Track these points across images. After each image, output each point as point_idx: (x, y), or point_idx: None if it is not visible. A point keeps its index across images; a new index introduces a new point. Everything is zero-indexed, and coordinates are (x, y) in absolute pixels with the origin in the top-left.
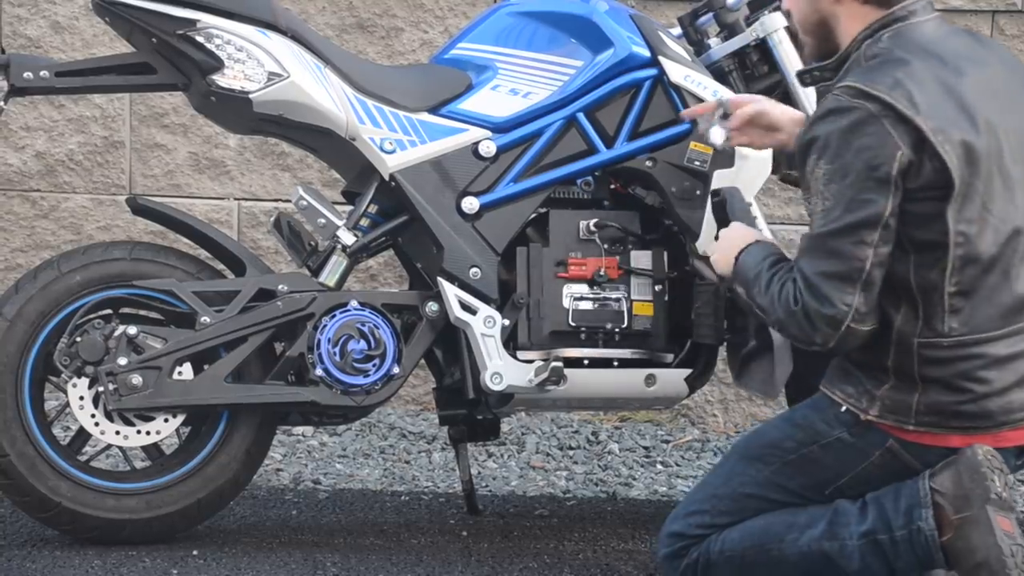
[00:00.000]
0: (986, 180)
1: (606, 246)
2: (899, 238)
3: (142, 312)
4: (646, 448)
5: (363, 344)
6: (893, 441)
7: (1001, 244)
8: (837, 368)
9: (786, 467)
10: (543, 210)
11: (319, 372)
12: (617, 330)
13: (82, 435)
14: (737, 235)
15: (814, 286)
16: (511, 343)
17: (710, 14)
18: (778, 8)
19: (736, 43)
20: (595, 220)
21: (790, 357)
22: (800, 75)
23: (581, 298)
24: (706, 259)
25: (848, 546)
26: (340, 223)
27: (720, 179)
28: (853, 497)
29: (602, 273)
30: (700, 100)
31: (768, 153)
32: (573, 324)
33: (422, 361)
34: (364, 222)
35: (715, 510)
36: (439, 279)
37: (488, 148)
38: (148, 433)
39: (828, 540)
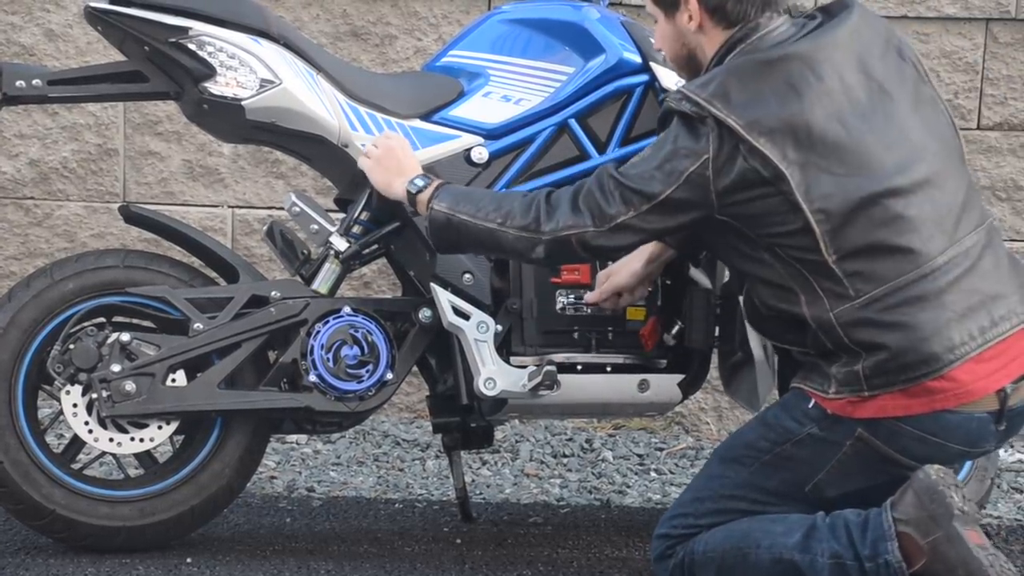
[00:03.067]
0: (828, 151)
1: None
2: (760, 244)
3: (135, 319)
4: (640, 456)
5: (356, 350)
6: (861, 429)
7: (867, 199)
8: (806, 364)
9: (764, 467)
10: None
11: (312, 378)
12: (610, 335)
13: (76, 443)
14: (403, 156)
15: (581, 195)
16: (504, 348)
17: None
18: None
19: None
20: None
21: (773, 371)
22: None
23: (574, 303)
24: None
25: (819, 562)
26: (333, 229)
27: None
28: (835, 494)
29: (595, 278)
30: None
31: None
32: (566, 329)
33: (415, 369)
34: (357, 229)
35: (698, 512)
36: (432, 285)
37: (480, 154)
38: (142, 440)
39: (800, 552)
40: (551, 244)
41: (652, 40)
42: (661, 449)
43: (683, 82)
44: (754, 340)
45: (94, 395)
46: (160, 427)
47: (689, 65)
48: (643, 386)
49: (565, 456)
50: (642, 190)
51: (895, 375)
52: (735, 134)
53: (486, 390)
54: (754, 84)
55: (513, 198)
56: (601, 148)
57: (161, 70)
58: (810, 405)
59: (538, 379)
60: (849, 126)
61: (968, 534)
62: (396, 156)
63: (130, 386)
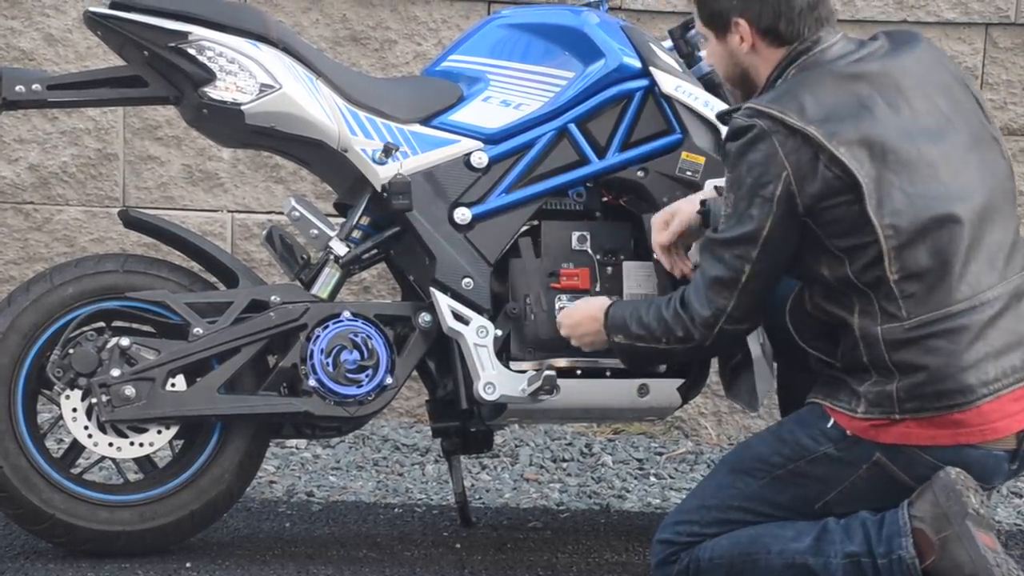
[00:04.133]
0: (900, 167)
1: (598, 256)
2: (827, 247)
3: (135, 324)
4: (639, 460)
5: (356, 355)
6: (880, 454)
7: (934, 220)
8: (826, 379)
9: (775, 482)
10: (535, 221)
11: (312, 383)
12: None
13: (75, 447)
14: (594, 301)
15: (699, 288)
16: (504, 353)
17: None
18: None
19: None
20: (587, 231)
21: (771, 371)
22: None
23: None
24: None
25: (832, 564)
26: (333, 234)
27: (712, 189)
28: (842, 513)
29: (595, 283)
30: (691, 110)
31: None
32: (564, 333)
33: (415, 373)
34: (356, 233)
35: (704, 520)
36: (432, 289)
37: (480, 159)
38: (141, 445)
39: (813, 555)
40: (716, 341)
41: (652, 44)
42: (661, 454)
43: (681, 84)
44: (752, 339)
45: (94, 400)
46: (160, 431)
47: (743, 84)
48: (643, 391)
49: (564, 460)
50: (743, 234)
51: (929, 401)
52: (813, 142)
53: (486, 395)
54: (826, 97)
55: (661, 311)
56: (601, 153)
57: (161, 75)
58: (829, 424)
59: (538, 384)
60: (920, 146)
61: (980, 535)
62: (577, 317)
63: (130, 391)
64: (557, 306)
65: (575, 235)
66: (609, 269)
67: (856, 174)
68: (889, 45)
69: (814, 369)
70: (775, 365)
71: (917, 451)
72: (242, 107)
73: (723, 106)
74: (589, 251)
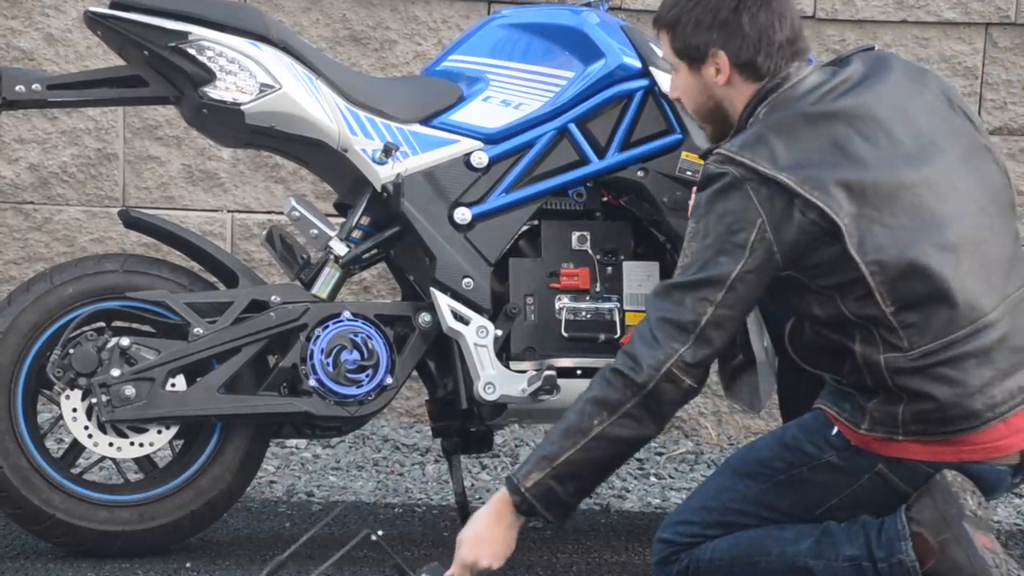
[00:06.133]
0: (881, 202)
1: (598, 256)
2: (814, 289)
3: (135, 324)
4: (639, 460)
5: (356, 355)
6: (882, 465)
7: (923, 250)
8: (833, 389)
9: (776, 487)
10: (535, 221)
11: (312, 383)
12: (610, 340)
13: (75, 447)
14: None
15: (649, 329)
16: (504, 353)
17: None
18: None
19: None
20: (587, 231)
21: (774, 373)
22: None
23: (574, 308)
24: None
25: (833, 567)
26: (333, 234)
27: None
28: (844, 518)
29: (595, 283)
30: None
31: None
32: (566, 334)
33: (415, 374)
34: (356, 233)
35: (704, 522)
36: (432, 289)
37: (480, 159)
38: (141, 445)
39: (814, 558)
40: (656, 389)
41: (652, 44)
42: (660, 454)
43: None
44: (756, 342)
45: (94, 400)
46: (160, 432)
47: (714, 117)
48: None
49: None
50: (710, 277)
51: (934, 426)
52: (787, 190)
53: (485, 395)
54: (798, 141)
55: (580, 401)
56: (601, 153)
57: (161, 75)
58: (833, 433)
59: (538, 384)
60: (901, 178)
61: (978, 537)
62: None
63: (130, 391)
64: (557, 306)
65: (575, 235)
66: (609, 269)
67: (834, 217)
68: (863, 70)
69: (824, 380)
70: (776, 366)
71: (919, 464)
72: (242, 107)
73: None
74: (589, 251)
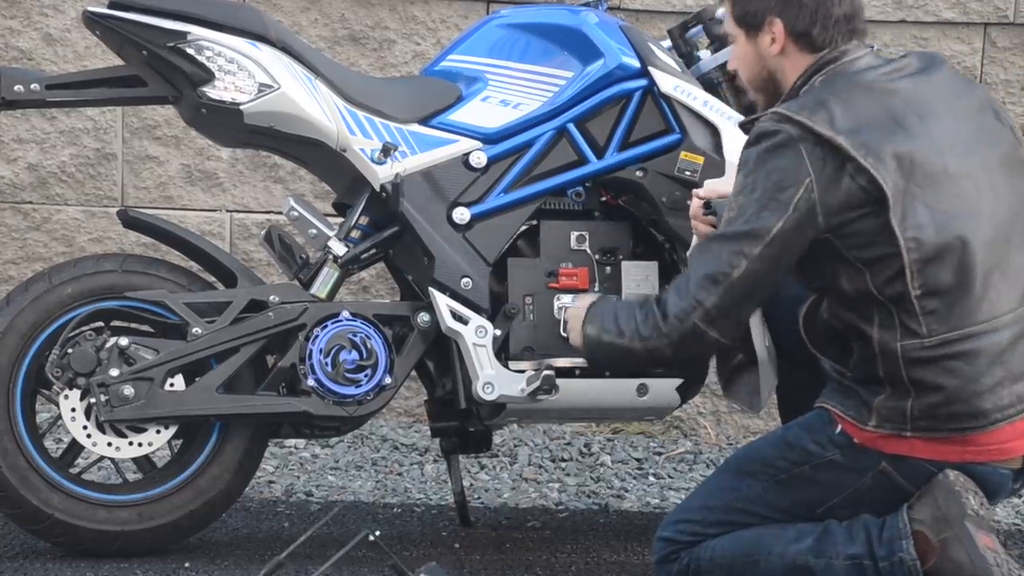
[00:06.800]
0: (926, 181)
1: (597, 256)
2: (847, 259)
3: (133, 324)
4: (638, 460)
5: (355, 354)
6: (886, 463)
7: (957, 237)
8: (837, 385)
9: (778, 485)
10: (534, 221)
11: (311, 382)
12: None
13: (74, 447)
14: (588, 296)
15: (680, 284)
16: (503, 353)
17: (699, 26)
18: None
19: (725, 55)
20: (586, 230)
21: (775, 373)
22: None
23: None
24: None
25: (834, 565)
26: (331, 234)
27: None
28: (845, 517)
29: (593, 283)
30: (690, 110)
31: None
32: (565, 334)
33: (414, 373)
34: (355, 233)
35: (705, 520)
36: (430, 289)
37: (479, 159)
38: (140, 445)
39: (815, 556)
40: (679, 342)
41: (650, 44)
42: (660, 453)
43: (680, 84)
44: (757, 341)
45: (92, 399)
46: (158, 431)
47: (767, 87)
48: (641, 390)
49: (563, 460)
50: (752, 230)
51: (942, 422)
52: (841, 152)
53: (484, 394)
54: (856, 108)
55: (634, 308)
56: (599, 153)
57: (159, 74)
58: (837, 431)
59: (536, 383)
60: (948, 164)
61: (979, 536)
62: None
63: (128, 390)
64: (556, 306)
65: (574, 235)
66: (608, 269)
67: (883, 185)
68: (918, 64)
69: (822, 374)
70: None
71: (922, 462)
72: (241, 107)
73: (723, 107)
74: (588, 251)
